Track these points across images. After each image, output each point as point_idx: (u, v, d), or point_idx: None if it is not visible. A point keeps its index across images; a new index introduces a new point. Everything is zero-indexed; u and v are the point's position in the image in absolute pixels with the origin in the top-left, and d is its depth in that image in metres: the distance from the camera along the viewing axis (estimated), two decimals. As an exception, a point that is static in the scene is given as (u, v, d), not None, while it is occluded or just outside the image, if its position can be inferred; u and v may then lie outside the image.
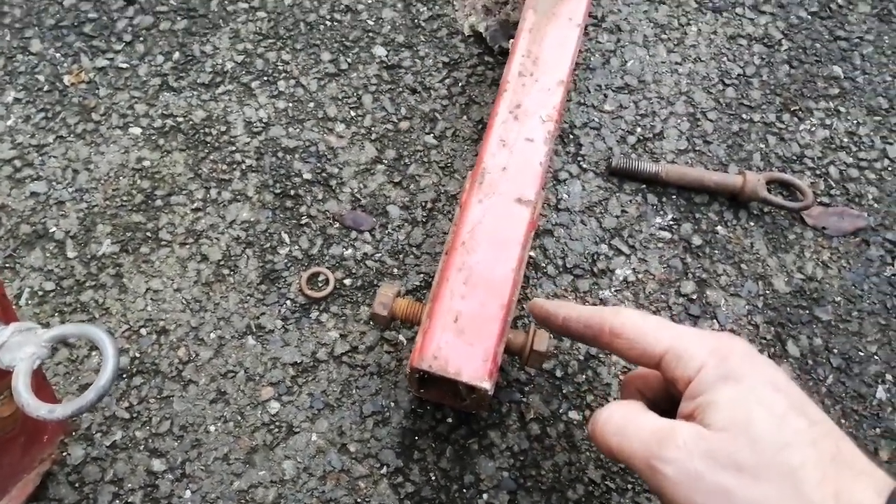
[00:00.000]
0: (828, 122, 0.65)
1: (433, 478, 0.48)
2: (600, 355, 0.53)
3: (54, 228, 0.55)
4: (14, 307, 0.50)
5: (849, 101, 0.66)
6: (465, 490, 0.48)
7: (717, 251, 0.58)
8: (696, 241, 0.58)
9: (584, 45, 0.67)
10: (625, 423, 0.36)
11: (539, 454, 0.49)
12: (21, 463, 0.43)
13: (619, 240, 0.57)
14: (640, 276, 0.56)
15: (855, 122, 0.65)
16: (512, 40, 0.57)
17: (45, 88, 0.61)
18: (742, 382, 0.34)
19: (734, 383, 0.34)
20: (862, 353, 0.54)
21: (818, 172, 0.62)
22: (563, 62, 0.54)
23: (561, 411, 0.51)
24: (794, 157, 0.63)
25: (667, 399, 0.40)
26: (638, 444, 0.35)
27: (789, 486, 0.31)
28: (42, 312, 0.52)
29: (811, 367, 0.54)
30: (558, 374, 0.52)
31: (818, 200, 0.61)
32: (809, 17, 0.70)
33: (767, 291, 0.56)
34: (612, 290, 0.56)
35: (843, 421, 0.52)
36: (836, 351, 0.54)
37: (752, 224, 0.59)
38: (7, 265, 0.54)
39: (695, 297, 0.56)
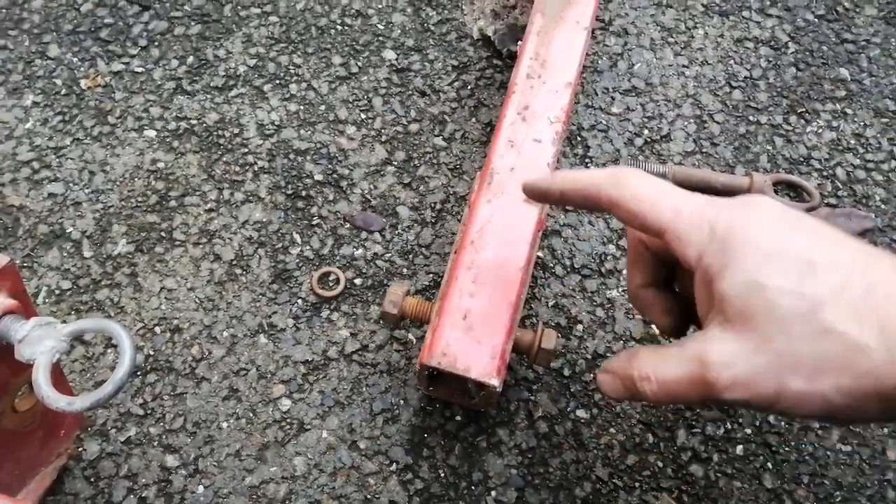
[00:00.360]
0: (835, 123, 0.65)
1: (442, 475, 0.49)
2: (608, 354, 0.53)
3: (71, 228, 0.56)
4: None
5: (856, 104, 0.66)
6: (473, 487, 0.48)
7: (724, 252, 0.58)
8: (704, 241, 0.58)
9: (592, 49, 0.67)
10: (659, 375, 0.33)
11: (547, 452, 0.50)
12: (39, 457, 0.44)
13: (626, 240, 0.58)
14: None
15: (862, 123, 0.65)
16: (520, 43, 0.58)
17: (63, 92, 0.63)
18: (747, 262, 0.30)
19: (739, 267, 0.30)
20: (869, 354, 0.54)
21: (825, 174, 0.62)
22: (570, 64, 0.54)
23: (569, 409, 0.51)
24: (801, 159, 0.63)
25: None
26: (685, 387, 0.31)
27: (832, 345, 0.28)
28: (59, 311, 0.53)
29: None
30: (566, 372, 0.52)
31: (825, 202, 0.61)
32: (816, 19, 0.70)
33: (774, 292, 0.57)
34: (620, 289, 0.56)
35: (850, 420, 0.52)
36: (843, 351, 0.55)
37: (759, 225, 0.59)
38: (25, 264, 0.55)
39: (702, 297, 0.56)
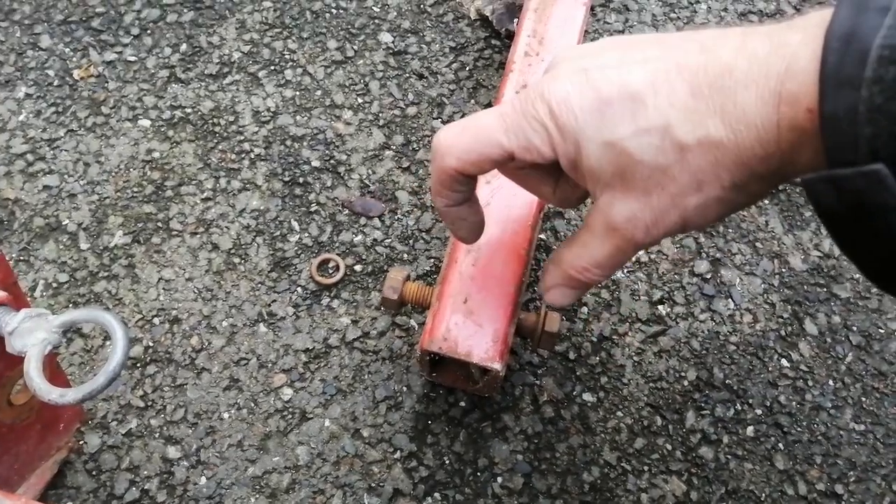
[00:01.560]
0: (843, 97, 0.63)
1: (447, 462, 0.48)
2: (614, 337, 0.52)
3: (67, 221, 0.56)
4: (29, 299, 0.50)
5: (865, 76, 0.64)
6: (479, 473, 0.48)
7: (731, 230, 0.57)
8: (710, 220, 0.57)
9: (592, 26, 0.66)
10: (592, 260, 0.34)
11: (553, 437, 0.49)
12: (38, 451, 0.44)
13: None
14: (652, 256, 0.56)
15: (871, 96, 0.63)
16: (517, 21, 0.56)
17: (56, 83, 0.62)
18: (587, 131, 0.31)
19: (584, 140, 0.31)
20: (882, 331, 0.53)
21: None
22: (569, 42, 0.53)
23: (574, 393, 0.50)
24: (809, 134, 0.61)
25: None
26: (617, 256, 0.33)
27: (698, 155, 0.29)
28: (56, 304, 0.53)
29: (830, 346, 0.53)
30: (571, 356, 0.51)
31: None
32: (823, -9, 0.69)
33: (784, 269, 0.56)
34: (625, 270, 0.55)
35: (863, 399, 0.51)
36: (855, 328, 0.53)
37: (766, 202, 0.58)
38: (21, 258, 0.54)
39: (709, 276, 0.55)
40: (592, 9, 0.65)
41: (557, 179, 0.37)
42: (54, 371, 0.42)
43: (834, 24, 0.25)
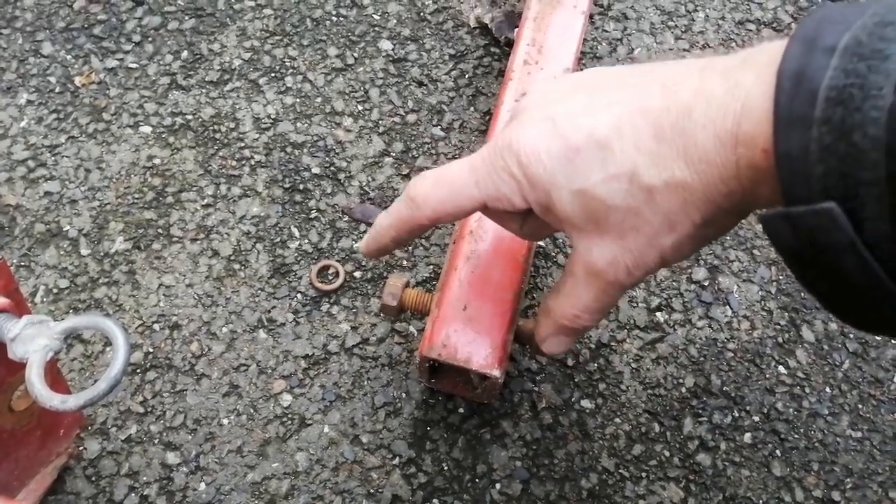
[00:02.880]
0: (840, 105, 0.64)
1: (445, 468, 0.48)
2: (612, 344, 0.53)
3: (68, 227, 0.56)
4: (29, 304, 0.50)
5: (861, 84, 0.65)
6: (477, 479, 0.48)
7: (728, 237, 0.57)
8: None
9: (591, 34, 0.66)
10: (581, 306, 0.35)
11: (551, 443, 0.49)
12: (38, 457, 0.44)
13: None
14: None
15: (868, 104, 0.64)
16: (517, 30, 0.57)
17: (57, 90, 0.62)
18: (556, 180, 0.32)
19: (555, 189, 0.32)
20: (878, 338, 0.54)
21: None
22: (568, 50, 0.53)
23: (573, 400, 0.50)
24: (806, 142, 0.62)
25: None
26: (604, 298, 0.34)
27: (667, 197, 0.29)
28: (57, 310, 0.53)
29: (827, 353, 0.53)
30: (570, 362, 0.52)
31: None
32: None
33: (781, 277, 0.56)
34: (623, 278, 0.55)
35: (860, 406, 0.51)
36: (851, 336, 0.54)
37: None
38: (22, 263, 0.54)
39: (707, 283, 0.55)
40: (591, 17, 0.65)
41: (526, 217, 0.37)
42: (55, 377, 0.42)
43: (785, 63, 0.25)
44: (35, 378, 0.33)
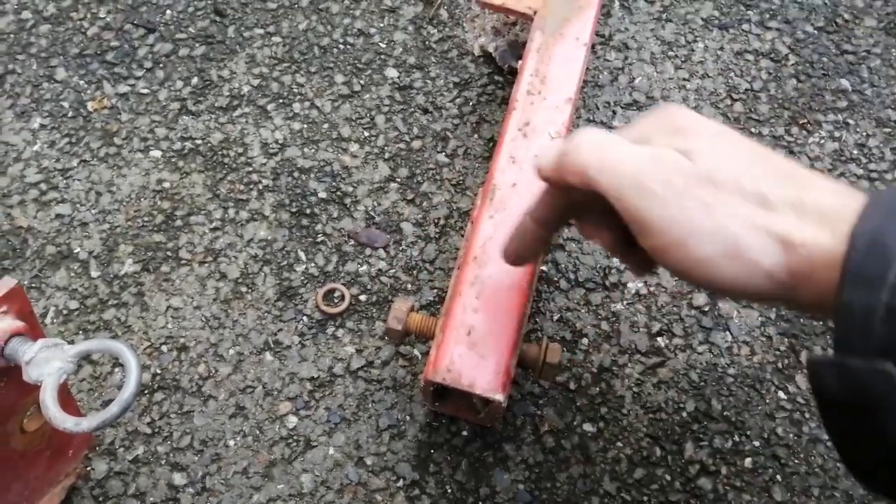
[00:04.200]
0: (837, 134, 0.65)
1: (449, 490, 0.49)
2: (613, 368, 0.53)
3: (78, 249, 0.57)
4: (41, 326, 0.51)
5: (857, 114, 0.66)
6: (480, 502, 0.48)
7: (728, 263, 0.58)
8: (707, 253, 0.58)
9: (593, 63, 0.68)
10: (602, 146, 0.34)
11: (554, 466, 0.49)
12: (47, 477, 0.44)
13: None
14: (651, 288, 0.57)
15: (864, 134, 0.65)
16: (520, 60, 0.58)
17: (70, 114, 0.63)
18: (694, 125, 0.33)
19: (688, 126, 0.33)
20: (877, 364, 0.54)
21: (828, 184, 0.62)
22: (570, 80, 0.55)
23: (575, 423, 0.51)
24: (804, 170, 0.63)
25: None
26: (621, 167, 0.32)
27: (757, 193, 0.31)
28: (67, 331, 0.53)
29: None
30: (572, 386, 0.52)
31: (829, 212, 0.61)
32: (816, 31, 0.71)
33: (780, 303, 0.57)
34: (625, 302, 0.56)
35: (859, 431, 0.52)
36: (850, 361, 0.54)
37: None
38: (33, 285, 0.55)
39: (707, 309, 0.56)
40: (593, 47, 0.67)
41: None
42: (65, 398, 0.43)
43: (859, 227, 0.27)
44: (49, 401, 0.34)
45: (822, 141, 0.65)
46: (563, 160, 0.35)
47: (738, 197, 0.31)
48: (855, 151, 0.64)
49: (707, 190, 0.31)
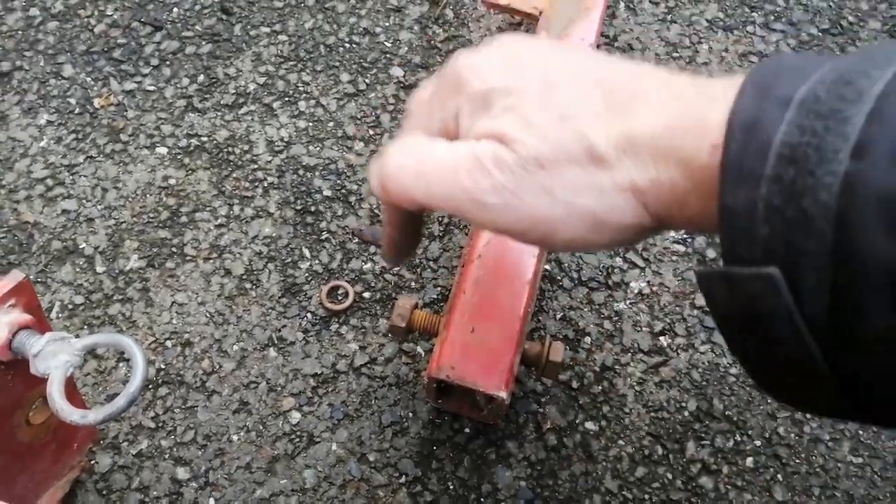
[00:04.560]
0: (840, 135, 0.65)
1: (451, 487, 0.49)
2: (616, 367, 0.54)
3: (84, 244, 0.57)
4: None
5: (861, 116, 0.66)
6: (482, 499, 0.48)
7: (731, 264, 0.58)
8: (711, 253, 0.59)
9: (597, 64, 0.68)
10: (421, 165, 0.30)
11: (556, 464, 0.50)
12: (51, 470, 0.45)
13: (633, 253, 0.58)
14: (654, 288, 0.57)
15: (867, 135, 0.65)
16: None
17: (77, 111, 0.64)
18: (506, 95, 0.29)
19: (495, 102, 0.29)
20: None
21: (831, 185, 0.62)
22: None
23: (577, 422, 0.51)
24: (807, 171, 0.63)
25: None
26: (449, 189, 0.29)
27: (582, 150, 0.27)
28: (72, 325, 0.54)
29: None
30: (574, 384, 0.53)
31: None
32: (820, 34, 0.71)
33: (782, 303, 0.57)
34: (627, 302, 0.56)
35: (860, 432, 0.52)
36: (852, 362, 0.54)
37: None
38: (39, 280, 0.55)
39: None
40: (598, 48, 0.67)
41: None
42: (71, 392, 0.43)
43: (737, 109, 0.23)
44: (56, 394, 0.34)
45: (826, 142, 0.65)
46: (388, 187, 0.31)
47: (572, 166, 0.27)
48: (858, 153, 0.64)
49: (539, 175, 0.28)
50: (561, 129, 0.27)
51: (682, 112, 0.26)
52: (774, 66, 0.24)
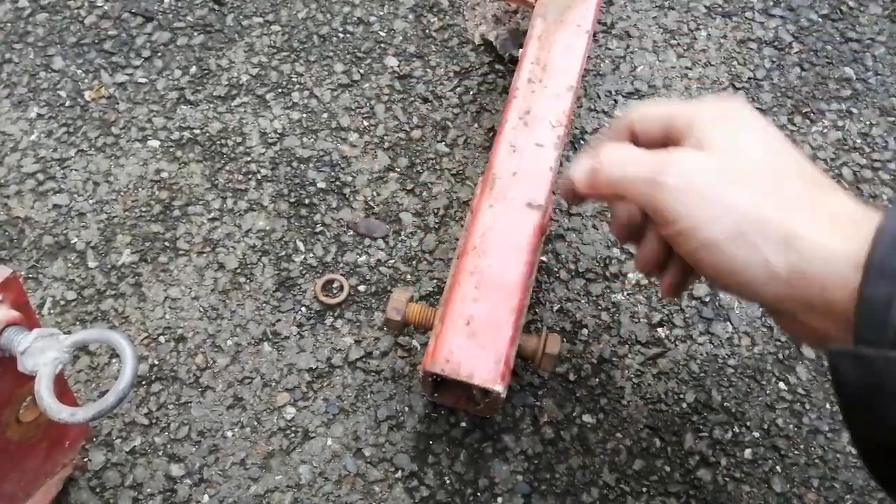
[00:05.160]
0: (840, 123, 0.64)
1: (448, 481, 0.48)
2: (613, 359, 0.53)
3: (76, 239, 0.57)
4: (37, 316, 0.51)
5: (861, 103, 0.65)
6: (479, 494, 0.48)
7: (729, 254, 0.58)
8: (709, 244, 0.58)
9: (594, 52, 0.67)
10: (625, 155, 0.36)
11: (553, 457, 0.49)
12: (43, 468, 0.44)
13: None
14: (652, 279, 0.56)
15: (868, 123, 0.64)
16: (521, 49, 0.57)
17: (67, 104, 0.63)
18: (737, 121, 0.35)
19: (729, 122, 0.35)
20: (879, 355, 0.54)
21: (831, 174, 0.62)
22: (572, 68, 0.54)
23: (574, 415, 0.51)
24: (807, 159, 0.62)
25: None
26: (641, 168, 0.35)
27: (773, 188, 0.32)
28: (64, 321, 0.53)
29: (827, 369, 0.53)
30: (571, 377, 0.52)
31: (832, 202, 0.60)
32: (820, 19, 0.70)
33: (781, 293, 0.56)
34: (625, 293, 0.56)
35: (860, 423, 0.51)
36: (852, 353, 0.54)
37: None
38: (30, 275, 0.55)
39: (707, 299, 0.56)
40: (594, 35, 0.66)
41: None
42: (62, 389, 0.43)
43: (885, 225, 0.29)
44: (44, 391, 0.34)
45: (826, 130, 0.64)
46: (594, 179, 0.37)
47: (751, 187, 0.32)
48: (858, 141, 0.64)
49: (719, 179, 0.32)
50: (756, 163, 0.33)
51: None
52: None
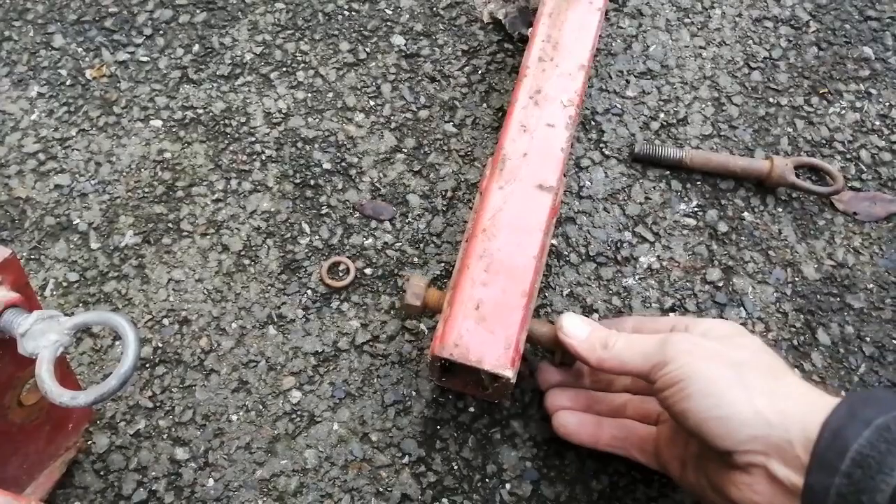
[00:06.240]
0: (858, 104, 0.63)
1: (455, 467, 0.48)
2: (624, 344, 0.52)
3: (78, 220, 0.56)
4: (39, 298, 0.50)
5: (880, 83, 0.64)
6: (487, 479, 0.47)
7: (743, 238, 0.57)
8: (722, 227, 0.57)
9: (606, 31, 0.66)
10: (630, 341, 0.41)
11: (562, 444, 0.48)
12: (47, 451, 0.44)
13: (642, 227, 0.57)
14: (664, 263, 0.55)
15: (887, 104, 0.63)
16: (531, 28, 0.56)
17: (68, 83, 0.62)
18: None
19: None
20: None
21: (849, 157, 0.60)
22: (583, 46, 0.53)
23: (584, 400, 0.50)
24: (824, 142, 0.61)
25: None
26: (649, 350, 0.40)
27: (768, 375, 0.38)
28: (66, 303, 0.53)
29: (843, 356, 0.52)
30: (581, 362, 0.51)
31: (849, 185, 0.59)
32: (838, -3, 0.68)
33: (796, 278, 0.55)
34: (636, 277, 0.55)
35: (876, 410, 0.50)
36: (868, 339, 0.53)
37: (779, 210, 0.58)
38: (32, 257, 0.54)
39: (721, 284, 0.55)
40: (606, 14, 0.64)
41: None
42: (64, 372, 0.42)
43: (831, 419, 0.34)
44: (45, 374, 0.33)
45: (843, 111, 0.62)
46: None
47: (730, 373, 0.38)
48: (877, 122, 0.62)
49: (712, 360, 0.38)
50: (730, 357, 0.39)
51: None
52: (867, 396, 0.35)
